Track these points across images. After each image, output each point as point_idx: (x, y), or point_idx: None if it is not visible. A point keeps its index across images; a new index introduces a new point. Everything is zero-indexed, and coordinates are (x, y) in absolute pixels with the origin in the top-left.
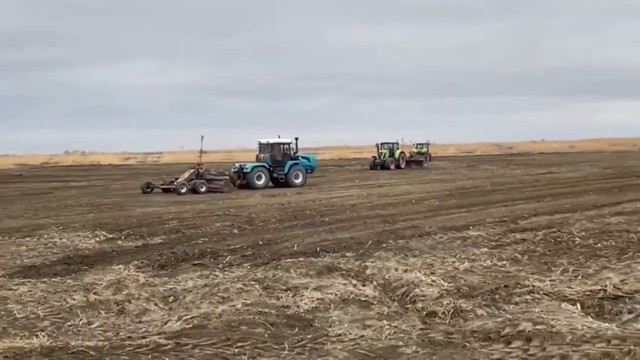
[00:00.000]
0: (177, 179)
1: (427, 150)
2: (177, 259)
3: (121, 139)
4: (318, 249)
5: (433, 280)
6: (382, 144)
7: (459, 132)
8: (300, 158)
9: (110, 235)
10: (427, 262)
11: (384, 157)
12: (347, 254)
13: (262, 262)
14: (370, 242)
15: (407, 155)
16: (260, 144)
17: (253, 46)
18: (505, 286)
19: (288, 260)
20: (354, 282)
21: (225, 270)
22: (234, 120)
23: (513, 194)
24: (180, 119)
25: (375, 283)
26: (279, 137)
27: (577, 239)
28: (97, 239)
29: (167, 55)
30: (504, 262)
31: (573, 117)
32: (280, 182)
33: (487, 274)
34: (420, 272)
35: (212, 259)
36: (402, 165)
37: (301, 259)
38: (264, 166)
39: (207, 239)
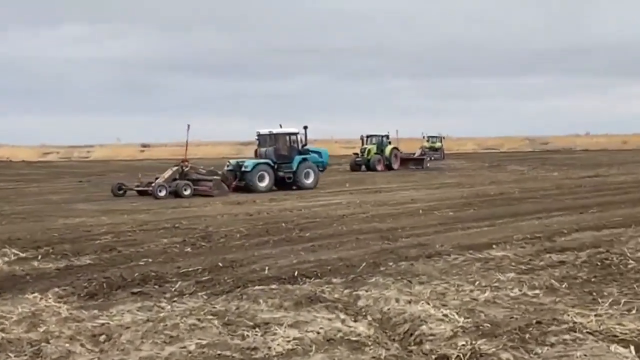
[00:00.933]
0: (157, 178)
1: (442, 145)
2: (111, 285)
3: (39, 128)
4: (296, 273)
5: (445, 315)
6: (368, 136)
7: (480, 123)
8: (310, 152)
9: (24, 254)
10: (437, 290)
11: (368, 154)
12: (334, 279)
13: (222, 290)
14: (364, 264)
15: (400, 152)
16: (259, 135)
17: (216, 11)
18: (537, 322)
19: (256, 287)
20: (343, 316)
21: (174, 301)
22: (191, 105)
23: (549, 203)
24: (117, 102)
25: (370, 318)
26: (281, 126)
27: (631, 262)
28: (6, 258)
29: (101, 19)
30: (537, 292)
31: (626, 106)
32: (286, 182)
33: (515, 306)
34: (428, 303)
35: (157, 286)
36: (395, 166)
37: (273, 287)
38: (267, 164)
39: (150, 260)
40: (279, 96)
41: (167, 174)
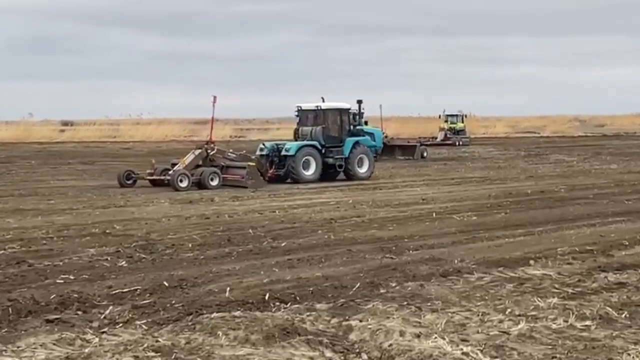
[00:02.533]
0: (173, 164)
1: (463, 125)
2: (19, 311)
3: None
4: (267, 296)
5: (465, 353)
6: None
7: (514, 97)
8: (364, 133)
9: None
10: (455, 320)
11: None
12: (318, 305)
13: (168, 319)
14: (357, 285)
15: (388, 137)
16: (300, 110)
17: None
18: None
19: (214, 315)
20: (329, 354)
21: (104, 332)
22: (128, 70)
23: (604, 206)
24: (27, 66)
25: (365, 357)
26: (323, 100)
27: None
28: None
29: None
30: (587, 323)
31: None
32: (337, 171)
33: (558, 342)
34: (443, 338)
35: (80, 312)
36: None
37: (237, 314)
38: (314, 146)
39: (72, 277)
40: (242, 59)
41: (188, 159)
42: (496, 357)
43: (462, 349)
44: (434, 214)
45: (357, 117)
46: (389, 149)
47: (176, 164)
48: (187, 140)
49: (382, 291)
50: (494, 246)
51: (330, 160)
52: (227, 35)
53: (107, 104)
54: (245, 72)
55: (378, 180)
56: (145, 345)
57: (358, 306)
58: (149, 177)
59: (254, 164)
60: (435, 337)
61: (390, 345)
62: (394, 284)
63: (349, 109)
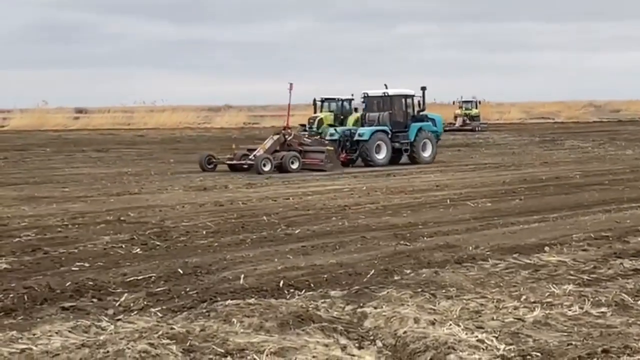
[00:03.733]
0: (249, 150)
1: (478, 111)
2: (34, 298)
3: None
4: (281, 283)
5: (480, 340)
6: (323, 101)
7: (528, 83)
8: (427, 119)
9: None
10: (470, 307)
11: (319, 125)
12: (332, 292)
13: (182, 306)
14: (372, 272)
15: None
16: (367, 97)
17: None
18: (604, 351)
19: (228, 302)
20: (343, 341)
21: (119, 320)
22: (142, 57)
23: (620, 192)
24: (41, 54)
25: (379, 344)
26: (386, 87)
27: None
28: None
29: None
30: (603, 310)
31: None
32: (402, 154)
33: (574, 329)
34: (458, 325)
35: (95, 300)
36: None
37: (251, 301)
38: (384, 131)
39: (87, 264)
40: (254, 46)
41: (267, 144)
42: (511, 344)
43: (477, 336)
44: (448, 201)
45: (421, 103)
46: None
47: (252, 150)
48: (200, 127)
49: (396, 278)
50: (509, 233)
51: (397, 145)
52: (239, 22)
53: (121, 91)
54: (257, 58)
55: (391, 166)
56: (160, 332)
57: (372, 293)
58: (228, 162)
59: (332, 148)
60: (450, 324)
61: (405, 332)
62: (408, 271)
63: (414, 95)
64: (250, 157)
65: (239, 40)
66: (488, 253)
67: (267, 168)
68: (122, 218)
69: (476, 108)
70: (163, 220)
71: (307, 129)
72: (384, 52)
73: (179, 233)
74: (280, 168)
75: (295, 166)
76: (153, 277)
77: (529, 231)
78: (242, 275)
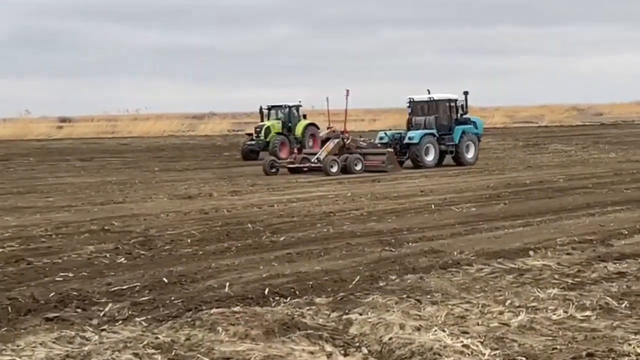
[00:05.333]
0: (309, 154)
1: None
2: (18, 309)
3: None
4: (267, 290)
5: (465, 345)
6: (270, 108)
7: (512, 87)
8: (469, 121)
9: None
10: (455, 313)
11: (266, 134)
12: (318, 299)
13: (167, 315)
14: (357, 278)
15: (326, 132)
16: (412, 102)
17: None
18: (589, 355)
19: (214, 310)
20: (329, 348)
21: (103, 330)
22: (125, 64)
23: (603, 195)
24: (23, 63)
25: (365, 350)
26: (429, 92)
27: None
28: None
29: None
30: (588, 313)
31: None
32: (447, 156)
33: (559, 333)
34: (443, 330)
35: (79, 310)
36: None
37: (237, 309)
38: (433, 134)
39: (71, 274)
40: (238, 53)
41: (330, 146)
42: (497, 349)
43: (462, 342)
44: (433, 206)
45: (463, 107)
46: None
47: (311, 154)
48: (184, 135)
49: (381, 284)
50: (493, 237)
51: (443, 147)
52: (222, 29)
53: (105, 99)
54: (241, 66)
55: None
56: (145, 342)
57: (358, 300)
58: (289, 166)
59: (392, 150)
60: (436, 330)
61: (391, 338)
62: (393, 277)
63: (457, 100)
64: (312, 160)
65: (223, 47)
66: (473, 258)
67: (334, 169)
68: (106, 227)
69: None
70: (147, 229)
71: (254, 138)
72: (367, 57)
73: (164, 242)
74: (345, 169)
75: (358, 167)
76: (138, 287)
77: (514, 235)
78: (227, 284)
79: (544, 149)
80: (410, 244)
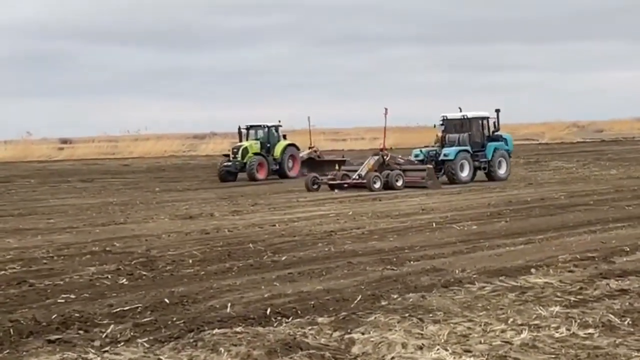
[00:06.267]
0: (349, 171)
1: None
2: (20, 332)
3: None
4: (268, 310)
5: None
6: (248, 128)
7: (512, 104)
8: (501, 138)
9: None
10: (457, 331)
11: (243, 155)
12: (320, 319)
13: (169, 336)
14: (359, 297)
15: (307, 152)
16: (445, 120)
17: None
18: None
19: (216, 331)
20: None
21: (106, 351)
22: (125, 85)
23: (605, 212)
24: (23, 84)
25: None
26: (460, 109)
27: None
28: None
29: None
30: (590, 331)
31: None
32: (479, 172)
33: (562, 351)
34: (446, 349)
35: (81, 332)
36: (293, 172)
37: (239, 329)
38: (467, 151)
39: (73, 296)
40: (235, 72)
41: (370, 163)
42: None
43: None
44: (434, 224)
45: (495, 124)
46: (319, 165)
47: (351, 171)
48: (185, 155)
49: (383, 303)
50: (495, 255)
51: (476, 164)
52: (222, 48)
53: (106, 120)
54: (241, 84)
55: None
56: None
57: (360, 319)
58: (330, 182)
59: (431, 166)
60: (438, 349)
61: (393, 358)
62: (395, 296)
63: (489, 117)
64: (353, 177)
65: (223, 66)
66: (475, 276)
67: (377, 185)
68: (107, 248)
69: None
70: (149, 249)
71: (230, 159)
72: (365, 75)
73: (165, 262)
74: (386, 185)
75: (399, 184)
76: (139, 308)
77: (515, 253)
78: (229, 304)
79: (544, 166)
80: (411, 262)
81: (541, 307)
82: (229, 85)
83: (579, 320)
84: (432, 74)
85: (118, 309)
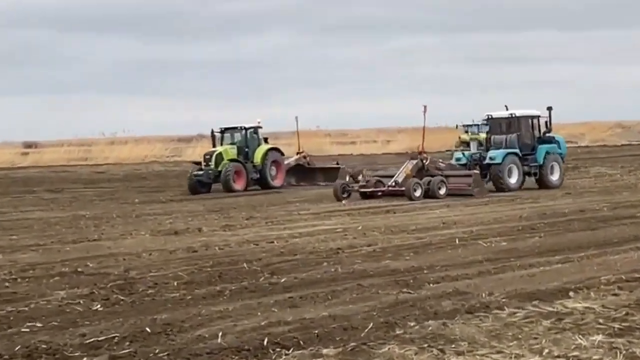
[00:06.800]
0: (382, 177)
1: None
2: None
3: None
4: (265, 341)
5: None
6: (223, 131)
7: (545, 101)
8: (553, 140)
9: None
10: None
11: (217, 162)
12: (325, 350)
13: None
14: (370, 325)
15: (295, 158)
16: (490, 119)
17: None
18: None
19: None
20: None
21: None
22: (98, 81)
23: None
24: None
25: None
26: (507, 108)
27: None
28: None
29: None
30: None
31: None
32: (528, 179)
33: None
34: None
35: None
36: (277, 181)
37: None
38: (516, 154)
39: (39, 324)
40: (226, 65)
41: (409, 167)
42: None
43: None
44: (457, 240)
45: (547, 123)
46: (310, 173)
47: (384, 177)
48: (169, 161)
49: (398, 332)
50: (527, 276)
51: (525, 168)
52: (212, 39)
53: (76, 121)
54: (233, 80)
55: (393, 202)
56: None
57: (371, 350)
58: (362, 190)
59: (478, 171)
60: None
61: None
62: (412, 324)
63: (539, 116)
64: (389, 183)
65: (213, 58)
66: (504, 300)
67: (417, 193)
68: (79, 269)
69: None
70: (127, 270)
71: (203, 167)
72: (373, 68)
73: (146, 285)
74: (426, 194)
75: (442, 191)
76: (116, 338)
77: (551, 274)
78: (220, 333)
79: (584, 173)
80: (431, 284)
81: (581, 337)
82: (219, 79)
83: (624, 352)
84: (449, 67)
85: (92, 340)
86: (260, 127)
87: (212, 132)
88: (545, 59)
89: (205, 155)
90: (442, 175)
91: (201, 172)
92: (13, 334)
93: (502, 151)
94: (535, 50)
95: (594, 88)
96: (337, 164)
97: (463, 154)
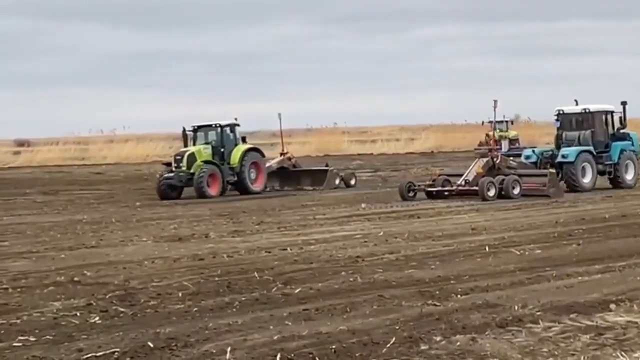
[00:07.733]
0: (450, 176)
1: (516, 133)
2: None
3: None
4: (278, 356)
5: None
6: (197, 129)
7: (582, 96)
8: (628, 137)
9: None
10: None
11: (189, 163)
12: None
13: None
14: (393, 340)
15: (278, 160)
16: (561, 114)
17: None
18: None
19: None
20: None
21: None
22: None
23: None
24: None
25: None
26: (577, 102)
27: None
28: None
29: None
30: None
31: None
32: (600, 178)
33: None
34: None
35: None
36: (257, 185)
37: None
38: (590, 152)
39: (33, 338)
40: (231, 58)
41: (479, 165)
42: None
43: None
44: (487, 248)
45: (621, 119)
46: (294, 176)
47: (453, 176)
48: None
49: (423, 347)
50: (564, 287)
51: (600, 167)
52: (215, 29)
53: (72, 117)
54: (239, 73)
55: (418, 206)
56: None
57: None
58: (430, 189)
59: (554, 171)
60: None
61: None
62: (438, 338)
63: (613, 111)
64: (458, 182)
65: (216, 50)
66: (539, 313)
67: (491, 193)
68: (76, 279)
69: (513, 132)
70: (128, 280)
71: (174, 168)
72: (395, 60)
73: (148, 296)
74: (500, 193)
75: (516, 192)
76: (116, 353)
77: (590, 284)
78: (229, 348)
79: None
80: (459, 296)
81: (622, 353)
82: (223, 73)
83: None
84: (478, 60)
85: (89, 355)
86: (238, 125)
87: (184, 130)
88: (584, 50)
89: (175, 155)
90: (516, 175)
91: (172, 175)
92: (4, 348)
93: (575, 149)
94: (573, 39)
95: (635, 81)
96: (327, 165)
97: (533, 151)
